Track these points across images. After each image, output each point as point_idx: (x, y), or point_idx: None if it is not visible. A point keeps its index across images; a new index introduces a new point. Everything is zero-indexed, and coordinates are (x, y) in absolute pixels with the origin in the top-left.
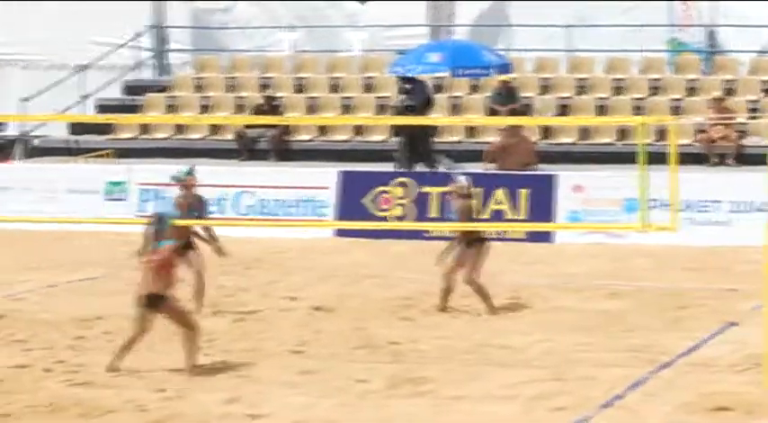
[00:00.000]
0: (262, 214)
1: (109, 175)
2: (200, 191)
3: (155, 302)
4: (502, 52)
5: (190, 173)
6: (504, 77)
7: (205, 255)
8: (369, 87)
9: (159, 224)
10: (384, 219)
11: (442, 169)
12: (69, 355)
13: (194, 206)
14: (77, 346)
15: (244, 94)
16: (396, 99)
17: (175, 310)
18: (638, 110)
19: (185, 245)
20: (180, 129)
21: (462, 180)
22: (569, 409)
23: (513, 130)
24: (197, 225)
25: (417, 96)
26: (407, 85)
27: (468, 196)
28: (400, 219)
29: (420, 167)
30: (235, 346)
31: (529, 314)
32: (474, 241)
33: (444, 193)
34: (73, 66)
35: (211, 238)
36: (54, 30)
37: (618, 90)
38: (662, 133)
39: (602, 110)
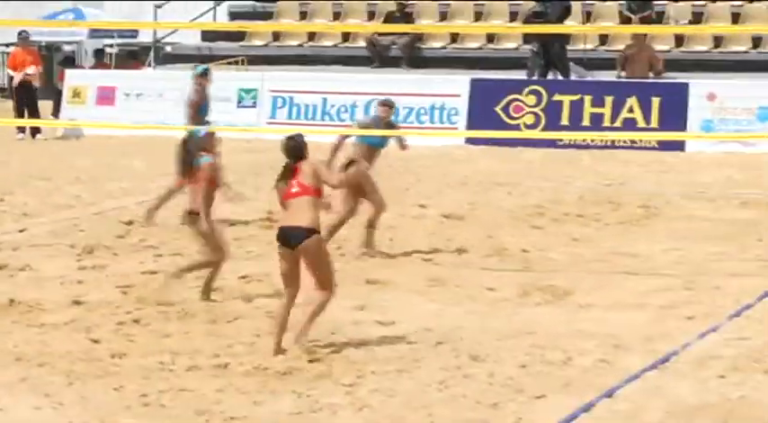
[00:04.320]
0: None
1: (241, 82)
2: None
3: (193, 220)
4: None
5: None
6: None
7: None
8: None
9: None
10: (516, 127)
11: (574, 77)
12: None
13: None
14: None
15: (376, 1)
16: (529, 6)
17: (206, 232)
18: None
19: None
20: (312, 36)
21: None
22: (699, 318)
23: (636, 39)
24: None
25: (554, 4)
26: None
27: None
28: (532, 127)
29: (552, 75)
30: (367, 252)
31: (660, 223)
32: None
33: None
34: None
35: None
36: None
37: None
38: None
39: (736, 17)
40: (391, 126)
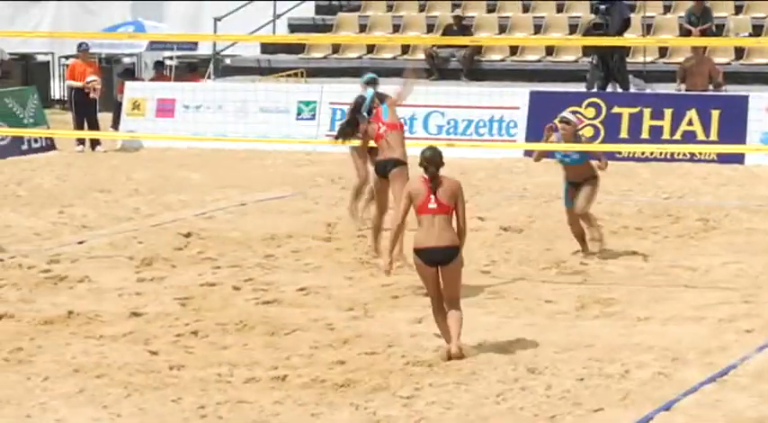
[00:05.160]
0: (451, 134)
1: (300, 94)
2: None
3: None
4: None
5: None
6: None
7: None
8: (561, 7)
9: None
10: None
11: (633, 90)
12: (258, 274)
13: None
14: (266, 265)
15: (435, 13)
16: (588, 18)
17: None
18: None
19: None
20: (371, 48)
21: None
22: (758, 331)
23: (695, 52)
24: None
25: (614, 16)
26: (603, 5)
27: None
28: (591, 139)
29: (611, 88)
30: None
31: (719, 236)
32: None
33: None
34: None
35: None
36: None
37: None
38: None
39: None
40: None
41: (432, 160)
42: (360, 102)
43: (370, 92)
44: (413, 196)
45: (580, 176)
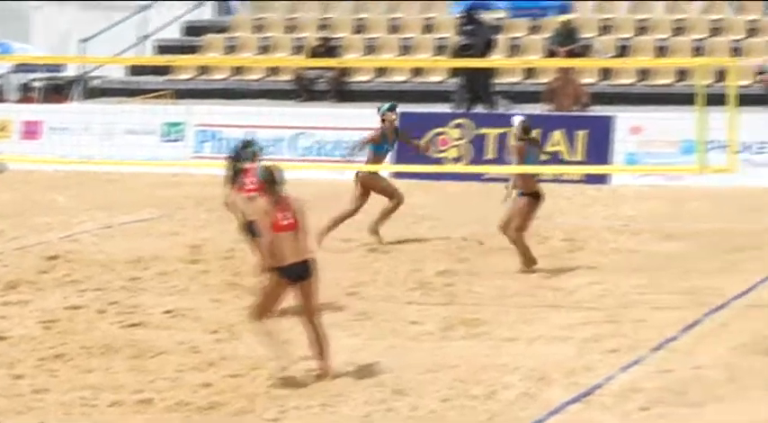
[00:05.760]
0: (319, 155)
1: (167, 116)
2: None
3: None
4: None
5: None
6: (563, 18)
7: None
8: (428, 28)
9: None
10: (441, 160)
11: (500, 110)
12: (124, 296)
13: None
14: (132, 287)
15: (302, 35)
16: (455, 40)
17: None
18: (697, 51)
19: None
20: (238, 70)
21: (515, 121)
22: (622, 351)
23: (561, 73)
24: None
25: (478, 37)
26: (468, 26)
27: (524, 139)
28: (457, 160)
29: (478, 108)
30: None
31: (584, 256)
32: (531, 193)
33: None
34: (133, 6)
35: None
36: None
37: (678, 31)
38: (721, 74)
39: (661, 51)
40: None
41: (278, 179)
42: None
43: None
44: (267, 215)
45: None
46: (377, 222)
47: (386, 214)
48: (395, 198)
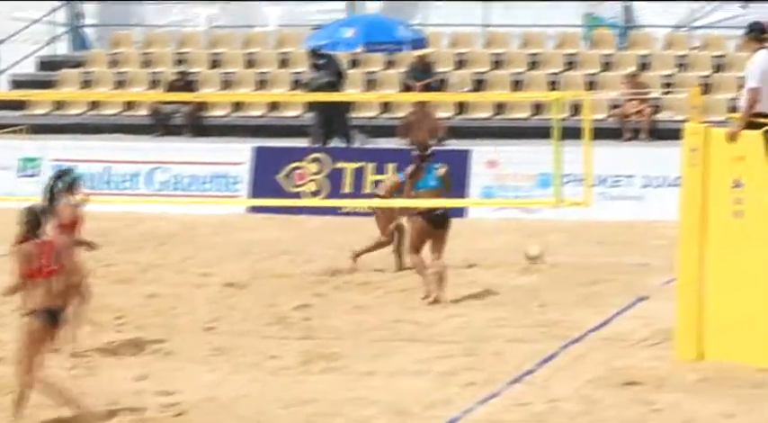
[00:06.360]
0: (175, 190)
1: (22, 151)
2: None
3: None
4: (418, 27)
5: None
6: (419, 52)
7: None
8: (284, 62)
9: None
10: (298, 195)
11: (356, 145)
12: None
13: None
14: None
15: (159, 69)
16: (308, 75)
17: None
18: (553, 85)
19: None
20: (94, 104)
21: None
22: (479, 384)
23: (417, 107)
24: None
25: (329, 72)
26: (319, 61)
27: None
28: (314, 194)
29: (335, 143)
30: (147, 322)
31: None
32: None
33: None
34: None
35: None
36: None
37: (533, 65)
38: (576, 108)
39: (517, 85)
40: None
41: (39, 222)
42: None
43: None
44: (30, 260)
45: None
46: (362, 251)
47: (372, 248)
48: (386, 236)
